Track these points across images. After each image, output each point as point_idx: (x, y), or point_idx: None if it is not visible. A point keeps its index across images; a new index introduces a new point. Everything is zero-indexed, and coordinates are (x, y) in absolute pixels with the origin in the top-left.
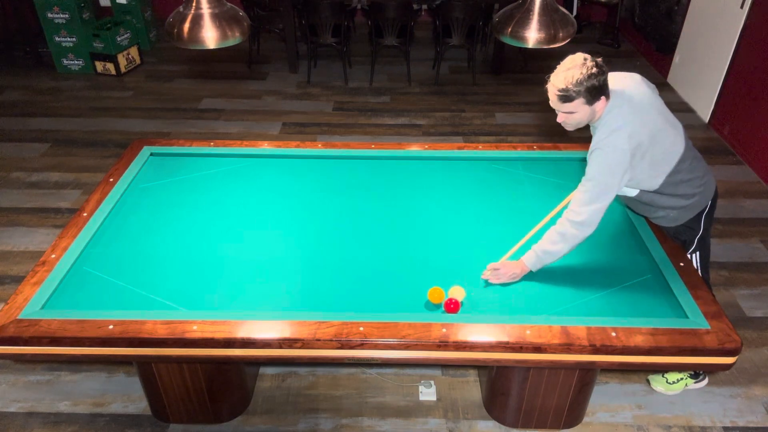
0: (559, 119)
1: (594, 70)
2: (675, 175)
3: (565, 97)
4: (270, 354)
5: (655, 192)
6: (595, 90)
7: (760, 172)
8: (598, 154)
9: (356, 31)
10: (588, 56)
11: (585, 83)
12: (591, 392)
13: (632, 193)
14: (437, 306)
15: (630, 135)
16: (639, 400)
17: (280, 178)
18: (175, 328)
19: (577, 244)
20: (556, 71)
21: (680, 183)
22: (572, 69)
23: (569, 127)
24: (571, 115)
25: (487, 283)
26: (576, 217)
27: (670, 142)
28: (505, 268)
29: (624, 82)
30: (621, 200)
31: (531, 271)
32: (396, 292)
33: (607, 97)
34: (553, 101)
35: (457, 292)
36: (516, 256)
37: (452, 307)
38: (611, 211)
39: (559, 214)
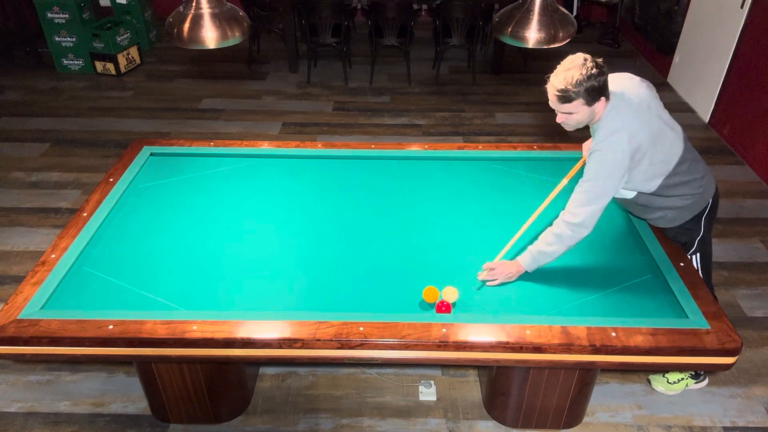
0: (558, 119)
1: (594, 71)
2: (673, 177)
3: (565, 97)
4: (270, 354)
5: (652, 194)
6: (595, 91)
7: (760, 172)
8: (597, 156)
9: (356, 31)
10: (588, 56)
11: (584, 84)
12: (591, 392)
13: (630, 195)
14: (432, 305)
15: (630, 137)
16: (639, 400)
17: (280, 178)
18: (175, 328)
19: (573, 246)
20: (555, 71)
21: (678, 185)
22: (572, 69)
23: (569, 128)
24: (570, 115)
25: (483, 285)
26: (573, 219)
27: (669, 144)
28: (500, 267)
29: (623, 84)
30: (618, 203)
31: (527, 272)
32: (396, 292)
33: (607, 98)
34: (553, 101)
35: (450, 293)
36: (509, 256)
37: (443, 309)
38: (611, 211)
39: (548, 214)
